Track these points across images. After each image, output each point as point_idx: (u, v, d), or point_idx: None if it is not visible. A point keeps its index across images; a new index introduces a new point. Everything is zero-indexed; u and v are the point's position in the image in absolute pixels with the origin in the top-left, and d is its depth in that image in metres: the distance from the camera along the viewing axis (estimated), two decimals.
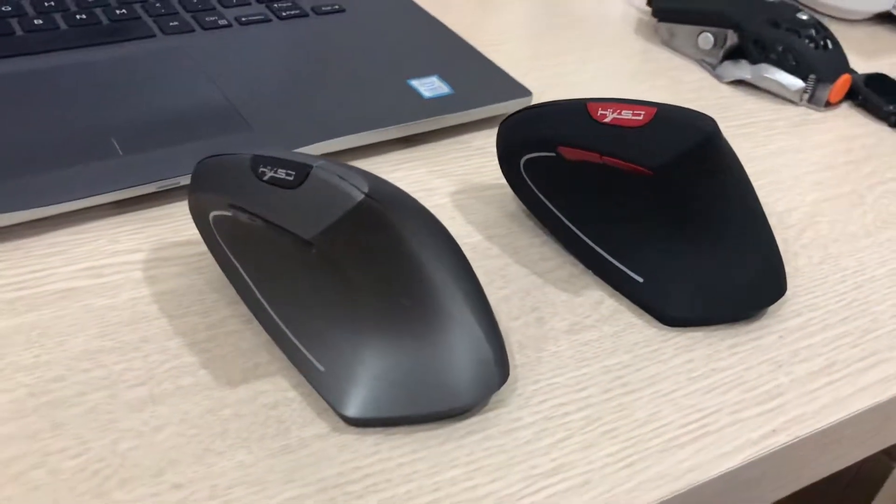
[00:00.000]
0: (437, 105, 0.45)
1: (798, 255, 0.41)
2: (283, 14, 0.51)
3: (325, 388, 0.30)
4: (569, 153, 0.36)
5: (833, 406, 0.34)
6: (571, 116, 0.36)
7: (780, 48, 0.53)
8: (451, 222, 0.40)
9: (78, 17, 0.47)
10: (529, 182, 0.39)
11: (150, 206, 0.38)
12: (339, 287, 0.30)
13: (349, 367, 0.30)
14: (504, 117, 0.40)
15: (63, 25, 0.47)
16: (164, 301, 0.34)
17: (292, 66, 0.46)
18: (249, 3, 0.52)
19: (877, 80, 0.55)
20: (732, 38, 0.55)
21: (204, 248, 0.37)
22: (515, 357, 0.34)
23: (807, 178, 0.47)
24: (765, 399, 0.34)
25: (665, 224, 0.36)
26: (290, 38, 0.49)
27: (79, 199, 0.36)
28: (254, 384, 0.31)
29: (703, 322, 0.37)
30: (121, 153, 0.38)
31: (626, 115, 0.35)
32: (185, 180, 0.38)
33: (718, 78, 0.56)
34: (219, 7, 0.51)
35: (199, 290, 0.35)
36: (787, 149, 0.50)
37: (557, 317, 0.36)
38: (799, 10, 0.54)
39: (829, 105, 0.54)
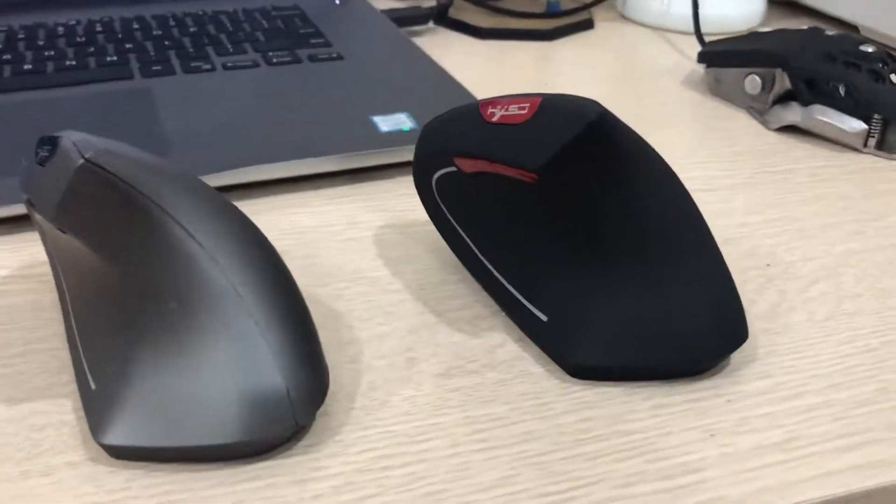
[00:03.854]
0: (390, 138, 0.41)
1: (795, 309, 0.32)
2: (275, 61, 0.49)
3: (92, 410, 0.25)
4: (464, 164, 0.30)
5: (772, 492, 0.24)
6: (464, 121, 0.30)
7: (833, 85, 0.44)
8: (358, 255, 0.35)
9: (67, 62, 0.48)
10: (443, 207, 0.33)
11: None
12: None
13: (116, 386, 0.25)
14: None
15: (50, 69, 0.47)
16: None
17: (252, 105, 0.43)
18: (245, 52, 0.50)
19: None
20: (782, 79, 0.46)
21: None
22: (356, 400, 0.27)
23: (844, 228, 0.38)
24: (674, 473, 0.25)
25: (569, 248, 0.29)
26: (266, 81, 0.46)
27: None
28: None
29: (623, 375, 0.28)
30: None
31: (513, 110, 0.28)
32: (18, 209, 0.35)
33: (766, 124, 0.47)
34: (212, 55, 0.50)
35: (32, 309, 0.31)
36: (826, 196, 0.40)
37: (434, 359, 0.29)
38: (863, 42, 0.45)
39: None
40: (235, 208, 0.26)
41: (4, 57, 0.48)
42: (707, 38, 0.56)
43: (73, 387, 0.27)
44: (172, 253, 0.24)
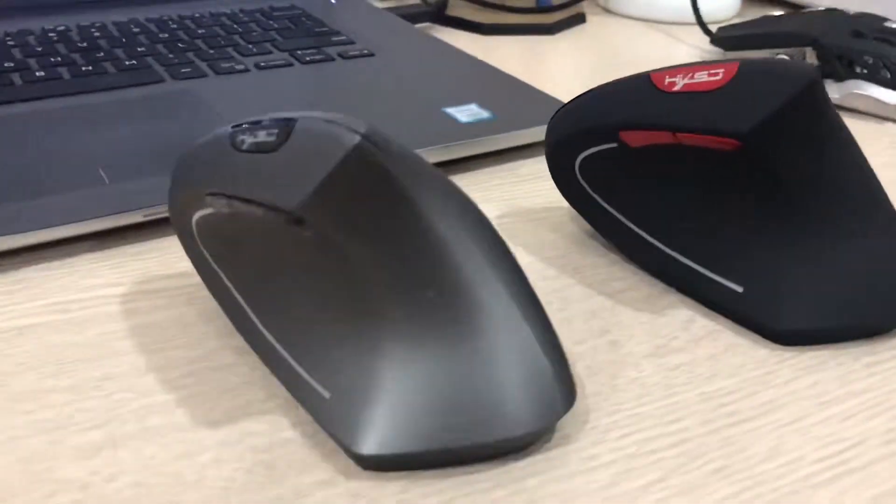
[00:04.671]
0: (476, 129, 0.39)
1: None
2: (307, 59, 0.46)
3: (331, 420, 0.23)
4: (634, 138, 0.29)
5: None
6: (633, 93, 0.29)
7: (869, 60, 0.46)
8: None
9: (83, 68, 0.43)
10: (589, 189, 0.32)
11: (136, 241, 0.33)
12: (342, 280, 0.23)
13: (362, 390, 0.23)
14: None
15: (67, 76, 0.43)
16: (141, 335, 0.27)
17: (316, 102, 0.41)
18: (270, 52, 0.47)
19: None
20: (812, 58, 0.48)
21: (198, 279, 0.30)
22: (584, 385, 0.26)
23: None
24: None
25: (765, 215, 0.28)
26: (312, 80, 0.44)
27: (53, 226, 0.30)
28: (241, 424, 0.24)
29: (827, 337, 0.28)
30: (107, 181, 0.33)
31: (701, 77, 0.28)
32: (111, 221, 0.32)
33: None
34: (236, 56, 0.46)
35: (186, 323, 0.28)
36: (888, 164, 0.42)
37: (635, 340, 0.28)
38: (886, 20, 0.48)
39: None
40: (467, 197, 0.24)
41: (7, 65, 0.43)
42: (683, 29, 0.57)
43: (275, 402, 0.25)
44: (433, 245, 0.22)
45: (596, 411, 0.25)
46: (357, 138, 0.20)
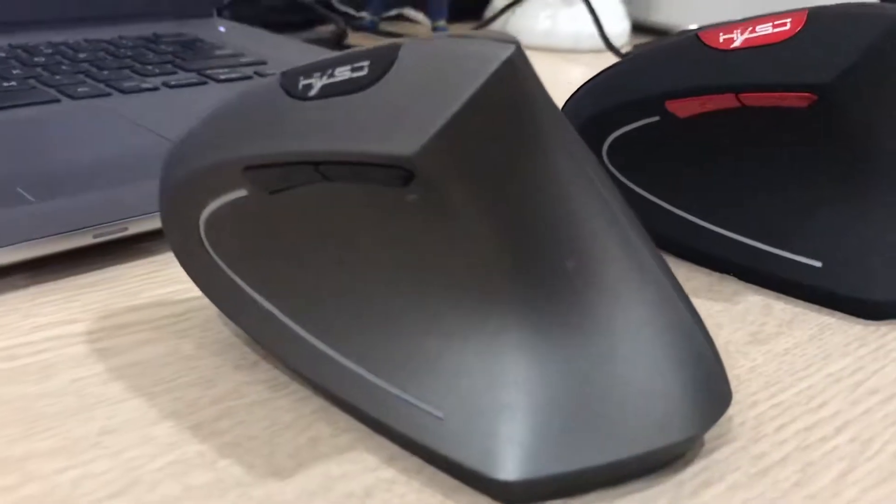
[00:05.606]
0: None
1: None
2: (222, 77, 0.40)
3: (452, 445, 0.17)
4: (683, 107, 0.26)
5: None
6: (676, 57, 0.26)
7: None
8: None
9: None
10: (621, 176, 0.29)
11: (85, 269, 0.25)
12: (453, 257, 0.17)
13: (490, 401, 0.17)
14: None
15: None
16: (131, 377, 0.20)
17: None
18: (176, 72, 0.41)
19: None
20: None
21: (182, 307, 0.24)
22: None
23: None
24: None
25: (838, 178, 0.26)
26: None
27: None
28: (319, 468, 0.18)
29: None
30: (32, 200, 0.26)
31: (764, 29, 0.25)
32: (135, 226, 0.26)
33: None
34: (135, 76, 0.40)
35: (187, 356, 0.21)
36: None
37: (724, 330, 0.24)
38: None
39: None
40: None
41: None
42: (587, 56, 0.57)
43: (352, 435, 0.19)
44: (569, 196, 0.17)
45: (733, 406, 0.21)
46: (508, 51, 0.16)
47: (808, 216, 0.26)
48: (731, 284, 0.27)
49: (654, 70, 0.27)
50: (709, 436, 0.20)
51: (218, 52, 0.45)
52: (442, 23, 0.59)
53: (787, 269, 0.26)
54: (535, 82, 0.17)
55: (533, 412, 0.17)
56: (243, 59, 0.44)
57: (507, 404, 0.17)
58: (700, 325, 0.19)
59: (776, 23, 0.25)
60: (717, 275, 0.28)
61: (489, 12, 0.64)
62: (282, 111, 0.18)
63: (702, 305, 0.26)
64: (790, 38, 0.25)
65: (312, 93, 0.17)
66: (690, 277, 0.27)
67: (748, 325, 0.25)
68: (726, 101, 0.25)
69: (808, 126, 0.25)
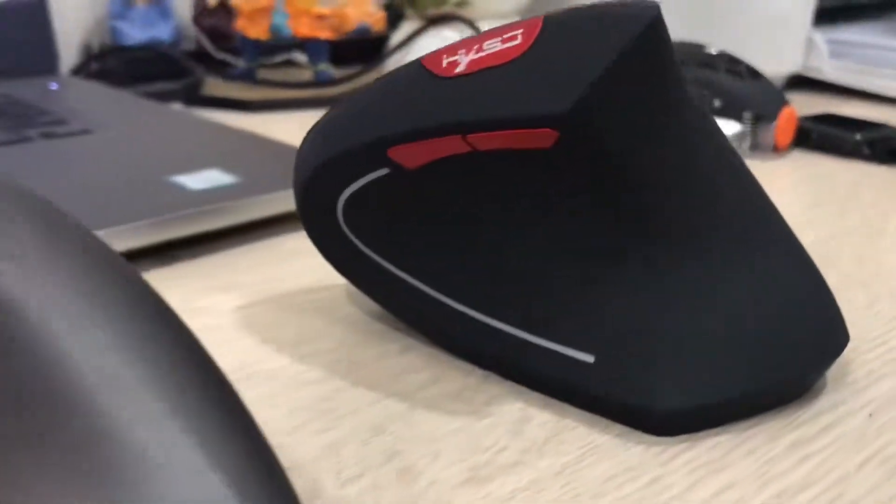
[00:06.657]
0: (213, 195, 0.29)
1: None
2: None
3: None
4: (409, 156, 0.20)
5: None
6: (403, 91, 0.20)
7: (698, 91, 0.39)
8: (231, 346, 0.22)
9: None
10: (359, 244, 0.22)
11: None
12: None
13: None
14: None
15: None
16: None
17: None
18: None
19: (826, 120, 0.42)
20: None
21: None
22: None
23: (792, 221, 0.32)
24: None
25: (608, 240, 0.19)
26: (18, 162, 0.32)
27: None
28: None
29: (723, 415, 0.19)
30: None
31: (493, 45, 0.19)
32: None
33: None
34: None
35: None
36: None
37: (441, 460, 0.18)
38: (703, 46, 0.42)
39: (777, 151, 0.40)
40: None
41: None
42: None
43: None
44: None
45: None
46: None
47: (574, 293, 0.19)
48: (492, 387, 0.20)
49: (374, 109, 0.20)
50: None
51: (19, 114, 0.40)
52: (324, 65, 0.53)
53: (554, 364, 0.19)
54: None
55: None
56: (42, 119, 0.38)
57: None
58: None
59: (506, 36, 0.19)
60: (480, 372, 0.21)
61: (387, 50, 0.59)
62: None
63: (434, 422, 0.19)
64: (521, 56, 0.18)
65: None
66: (446, 378, 0.21)
67: (477, 454, 0.18)
68: (452, 145, 0.19)
69: (558, 172, 0.18)
